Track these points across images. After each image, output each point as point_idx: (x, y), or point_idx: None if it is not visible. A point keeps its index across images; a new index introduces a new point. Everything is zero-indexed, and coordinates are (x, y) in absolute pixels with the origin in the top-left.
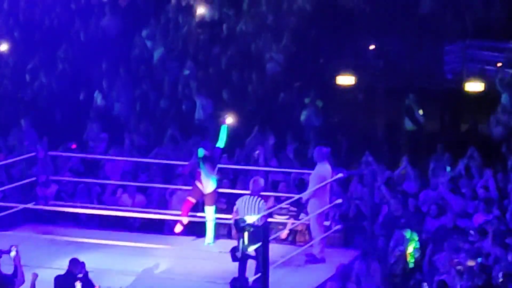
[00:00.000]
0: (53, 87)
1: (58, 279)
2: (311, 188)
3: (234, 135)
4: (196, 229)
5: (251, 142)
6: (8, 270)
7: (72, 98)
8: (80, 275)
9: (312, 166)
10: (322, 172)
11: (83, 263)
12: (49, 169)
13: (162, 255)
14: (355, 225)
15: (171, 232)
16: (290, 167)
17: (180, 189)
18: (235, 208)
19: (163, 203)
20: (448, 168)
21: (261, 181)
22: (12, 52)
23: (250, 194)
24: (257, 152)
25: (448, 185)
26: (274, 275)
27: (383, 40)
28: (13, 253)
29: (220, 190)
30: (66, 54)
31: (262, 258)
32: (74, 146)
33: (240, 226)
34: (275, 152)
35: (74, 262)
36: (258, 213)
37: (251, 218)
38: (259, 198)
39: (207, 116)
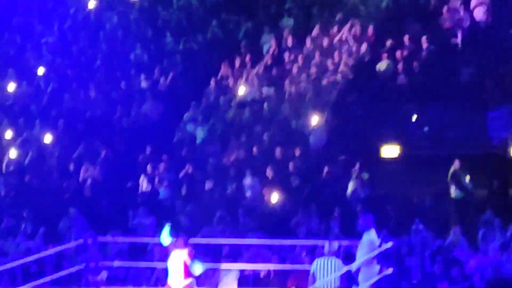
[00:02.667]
0: (98, 174)
1: None
2: (360, 258)
3: (281, 211)
4: None
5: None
6: None
7: (118, 184)
8: None
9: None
10: (370, 240)
11: None
12: (98, 255)
13: None
14: None
15: None
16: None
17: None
18: (311, 272)
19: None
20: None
21: (336, 243)
22: (56, 143)
23: (326, 255)
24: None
25: (499, 250)
26: None
27: (426, 109)
28: None
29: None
30: (110, 141)
31: None
32: None
33: None
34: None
35: None
36: (336, 271)
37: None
38: (335, 258)
39: (255, 195)
